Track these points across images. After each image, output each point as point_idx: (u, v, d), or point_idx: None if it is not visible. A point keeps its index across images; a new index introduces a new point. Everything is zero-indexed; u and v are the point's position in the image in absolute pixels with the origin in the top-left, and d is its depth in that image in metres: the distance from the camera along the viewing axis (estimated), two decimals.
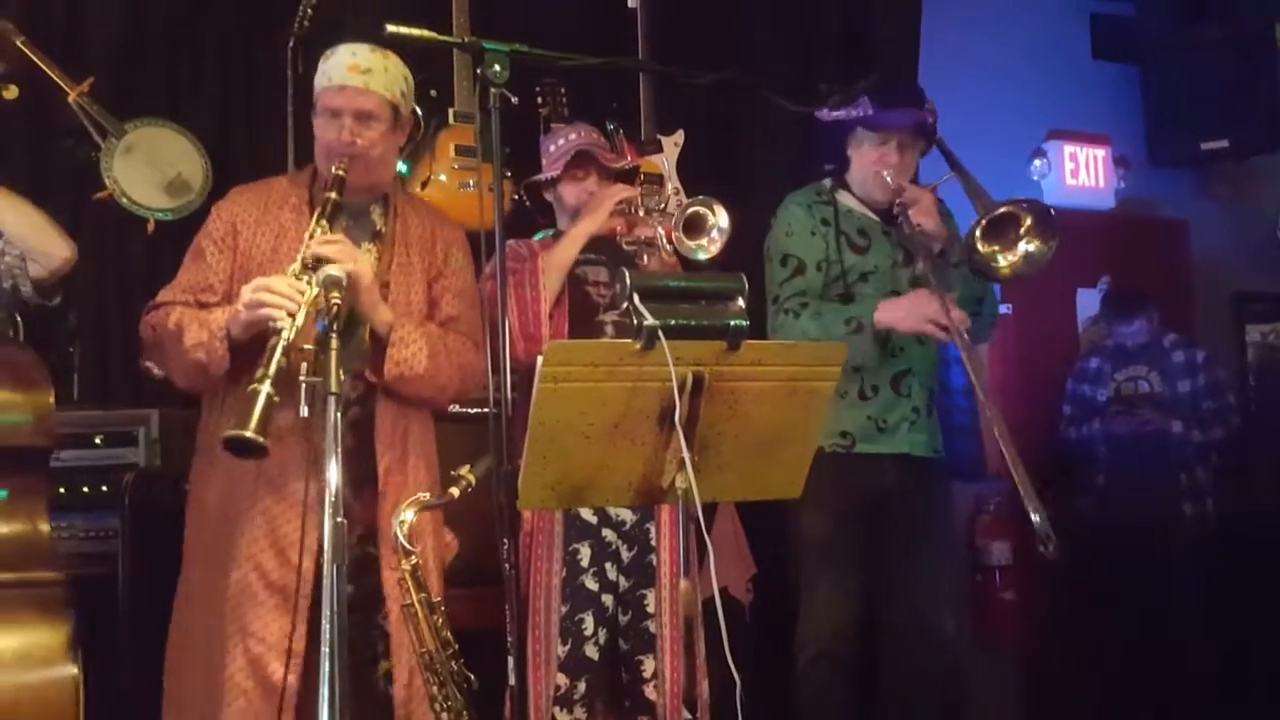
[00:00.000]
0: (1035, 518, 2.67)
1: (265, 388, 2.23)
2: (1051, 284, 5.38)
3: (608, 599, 3.08)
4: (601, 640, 3.06)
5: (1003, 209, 3.10)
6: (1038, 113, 5.51)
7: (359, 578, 2.58)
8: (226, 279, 2.64)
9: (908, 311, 3.10)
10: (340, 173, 2.58)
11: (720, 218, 3.07)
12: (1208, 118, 5.48)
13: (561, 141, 3.30)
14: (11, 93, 3.27)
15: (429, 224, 2.82)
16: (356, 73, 2.63)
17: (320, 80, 2.69)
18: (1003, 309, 5.01)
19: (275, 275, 2.46)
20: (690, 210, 3.08)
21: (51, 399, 2.80)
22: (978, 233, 3.09)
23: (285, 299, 2.38)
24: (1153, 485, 4.84)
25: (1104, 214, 5.70)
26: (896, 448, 3.26)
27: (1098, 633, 4.90)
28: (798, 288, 3.23)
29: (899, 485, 3.25)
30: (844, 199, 3.35)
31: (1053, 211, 3.15)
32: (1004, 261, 3.13)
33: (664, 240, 3.10)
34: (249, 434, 2.20)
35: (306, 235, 2.51)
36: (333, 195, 2.56)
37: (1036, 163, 5.55)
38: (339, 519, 2.12)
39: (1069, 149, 5.61)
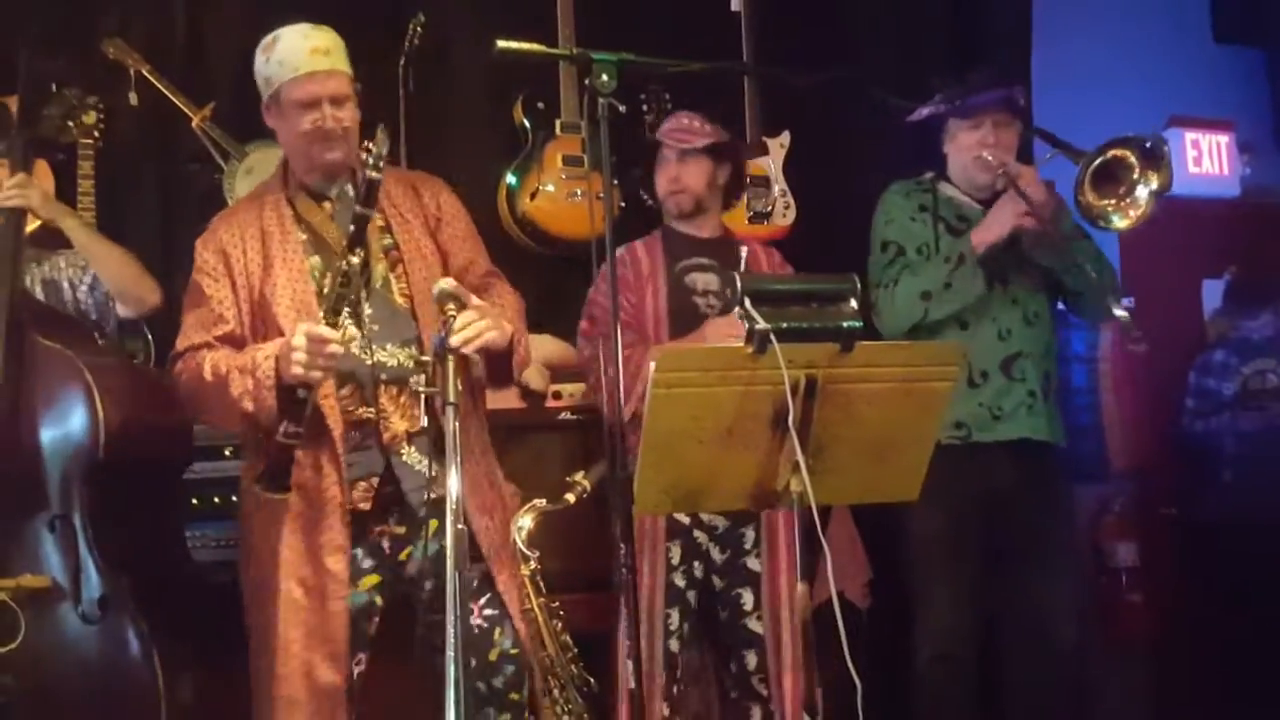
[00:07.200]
0: (1120, 312, 2.95)
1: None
2: (1176, 275, 5.23)
3: (692, 595, 3.12)
4: (685, 634, 3.11)
5: (1107, 154, 3.08)
6: (1157, 99, 5.34)
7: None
8: (233, 304, 2.56)
9: (996, 220, 3.12)
10: (376, 175, 2.34)
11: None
12: None
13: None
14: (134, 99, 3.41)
15: (403, 180, 2.72)
16: (320, 55, 2.50)
17: (276, 71, 2.52)
18: (1126, 301, 4.88)
19: (319, 328, 2.37)
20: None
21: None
22: (1086, 186, 3.07)
23: (327, 359, 2.36)
24: None
25: (1228, 202, 5.50)
26: (1015, 432, 3.18)
27: (1227, 634, 4.74)
28: (897, 269, 3.22)
29: (1016, 484, 3.18)
30: (944, 189, 3.33)
31: (1149, 141, 3.11)
32: (1130, 214, 3.10)
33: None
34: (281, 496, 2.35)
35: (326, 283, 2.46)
36: (369, 211, 2.40)
37: None
38: (459, 526, 2.15)
39: (1190, 136, 5.43)
